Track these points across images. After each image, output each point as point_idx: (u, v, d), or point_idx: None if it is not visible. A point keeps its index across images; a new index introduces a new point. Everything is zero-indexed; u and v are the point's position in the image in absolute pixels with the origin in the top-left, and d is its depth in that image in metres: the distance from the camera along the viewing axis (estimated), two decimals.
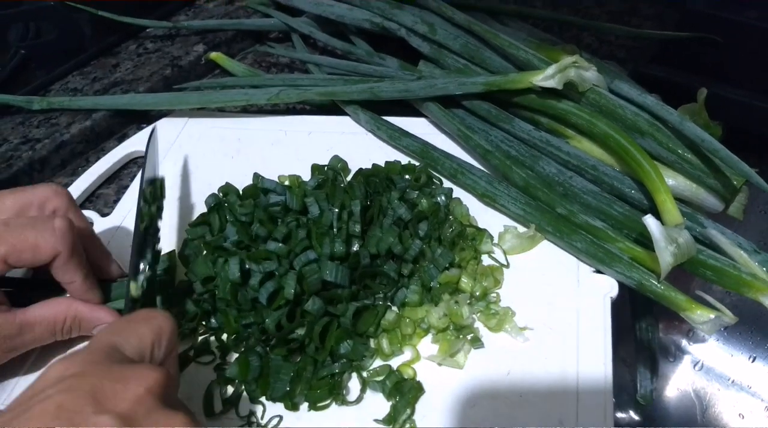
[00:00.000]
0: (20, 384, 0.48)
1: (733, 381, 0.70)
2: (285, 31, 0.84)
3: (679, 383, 0.71)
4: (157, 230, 0.51)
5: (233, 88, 0.73)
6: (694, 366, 0.72)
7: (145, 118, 0.73)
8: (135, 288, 0.44)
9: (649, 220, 0.44)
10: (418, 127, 0.65)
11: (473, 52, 0.62)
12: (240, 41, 0.84)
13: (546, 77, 0.52)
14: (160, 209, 0.52)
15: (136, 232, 0.47)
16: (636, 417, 0.65)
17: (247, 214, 0.53)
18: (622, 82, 0.54)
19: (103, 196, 0.66)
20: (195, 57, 0.79)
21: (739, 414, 0.67)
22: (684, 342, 0.71)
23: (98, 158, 0.68)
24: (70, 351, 0.48)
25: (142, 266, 0.46)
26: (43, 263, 0.44)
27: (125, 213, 0.61)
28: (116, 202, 0.64)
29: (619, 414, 0.64)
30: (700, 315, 0.44)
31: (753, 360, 0.70)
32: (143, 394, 0.29)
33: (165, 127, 0.70)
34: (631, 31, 0.70)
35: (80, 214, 0.50)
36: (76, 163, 0.71)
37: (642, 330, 0.64)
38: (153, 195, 0.51)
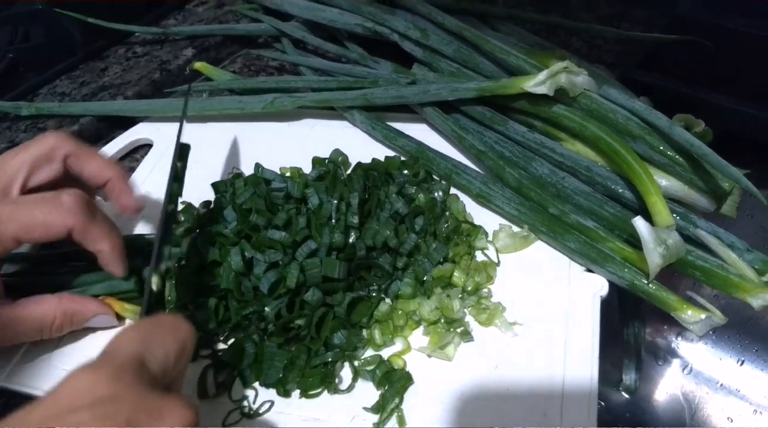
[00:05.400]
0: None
1: (721, 385, 0.70)
2: (275, 36, 0.83)
3: (668, 386, 0.72)
4: (177, 212, 0.50)
5: (222, 93, 0.74)
6: (683, 369, 0.72)
7: (134, 121, 0.73)
8: (156, 281, 0.43)
9: (638, 222, 0.45)
10: (413, 127, 0.66)
11: (466, 57, 0.63)
12: (229, 45, 0.84)
13: (537, 83, 0.52)
14: (181, 189, 0.50)
15: (163, 216, 0.45)
16: (623, 413, 0.66)
17: (246, 200, 0.53)
18: (611, 86, 0.55)
19: None
20: (184, 61, 0.79)
21: (728, 418, 0.67)
22: (673, 346, 0.71)
23: None
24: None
25: (166, 253, 0.45)
26: (59, 238, 0.45)
27: None
28: None
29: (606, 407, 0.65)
30: (691, 315, 0.45)
31: (741, 364, 0.71)
32: None
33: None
34: (621, 34, 0.71)
35: (92, 154, 0.50)
36: None
37: (629, 327, 0.65)
38: (182, 172, 0.50)
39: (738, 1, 0.60)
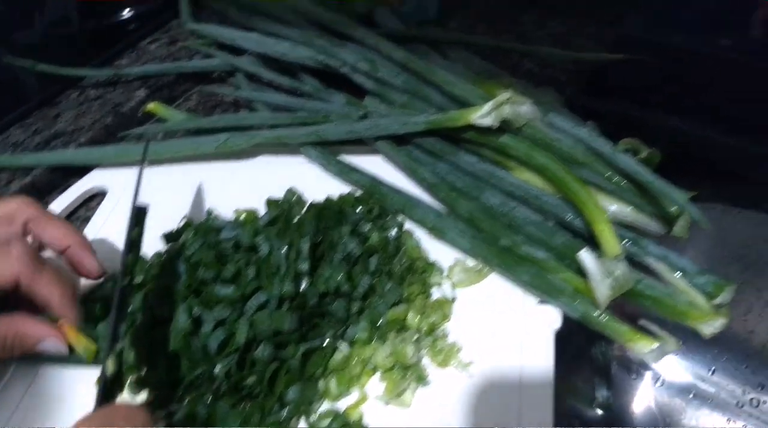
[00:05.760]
0: None
1: (694, 395, 0.71)
2: (229, 71, 0.83)
3: (641, 400, 0.72)
4: (133, 287, 0.49)
5: (177, 133, 0.73)
6: (656, 382, 0.72)
7: (88, 168, 0.72)
8: (112, 364, 0.41)
9: (584, 255, 0.45)
10: (369, 159, 0.65)
11: (415, 88, 0.63)
12: (183, 83, 0.83)
13: (482, 115, 0.52)
14: (137, 257, 0.49)
15: (118, 293, 0.44)
16: None
17: (196, 251, 0.53)
18: (556, 113, 0.55)
19: None
20: (137, 103, 0.78)
21: None
22: (644, 359, 0.72)
23: None
24: None
25: (121, 332, 0.43)
26: (6, 287, 0.44)
27: None
28: None
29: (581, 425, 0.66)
30: (642, 345, 0.45)
31: (712, 373, 0.71)
32: None
33: None
34: (569, 56, 0.71)
35: (53, 220, 0.50)
36: None
37: (596, 345, 0.66)
38: (138, 239, 0.49)
39: (680, 19, 0.60)
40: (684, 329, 0.47)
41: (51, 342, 0.47)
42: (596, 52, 0.70)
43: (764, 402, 0.69)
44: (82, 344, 0.48)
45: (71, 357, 0.48)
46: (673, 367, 0.72)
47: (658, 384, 0.72)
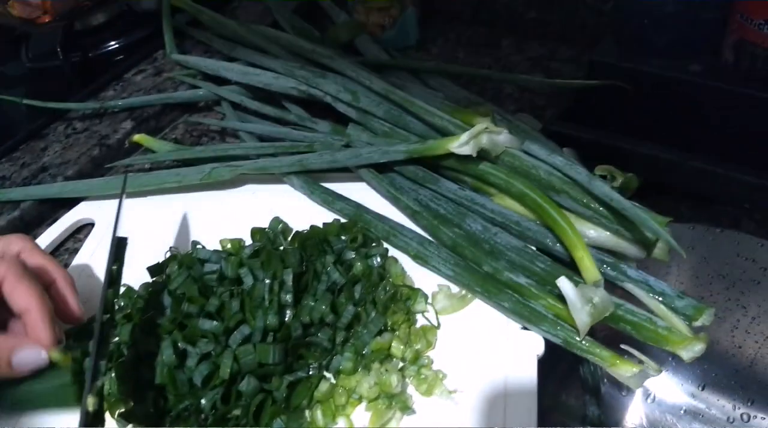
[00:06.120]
0: None
1: (685, 411, 0.71)
2: (215, 100, 0.84)
3: (633, 417, 0.72)
4: (114, 322, 0.49)
5: (164, 163, 0.74)
6: (646, 398, 0.73)
7: (75, 200, 0.72)
8: (93, 402, 0.42)
9: (563, 283, 0.45)
10: (353, 186, 0.66)
11: (396, 118, 0.64)
12: (169, 113, 0.84)
13: (461, 144, 0.53)
14: (117, 293, 0.50)
15: (98, 329, 0.44)
16: None
17: (180, 285, 0.53)
18: (534, 140, 0.55)
19: None
20: (123, 134, 0.79)
21: None
22: (627, 383, 0.73)
23: None
24: None
25: (102, 368, 0.44)
26: None
27: None
28: None
29: None
30: (624, 370, 0.45)
31: (702, 389, 0.72)
32: None
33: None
34: (545, 82, 0.73)
35: (42, 252, 0.51)
36: None
37: (585, 365, 0.66)
38: (118, 274, 0.49)
39: (654, 44, 0.61)
40: None
41: (27, 353, 0.45)
42: (574, 76, 0.71)
43: (755, 417, 0.69)
44: (59, 358, 0.46)
45: (51, 375, 0.47)
46: (663, 383, 0.73)
47: (649, 400, 0.73)
